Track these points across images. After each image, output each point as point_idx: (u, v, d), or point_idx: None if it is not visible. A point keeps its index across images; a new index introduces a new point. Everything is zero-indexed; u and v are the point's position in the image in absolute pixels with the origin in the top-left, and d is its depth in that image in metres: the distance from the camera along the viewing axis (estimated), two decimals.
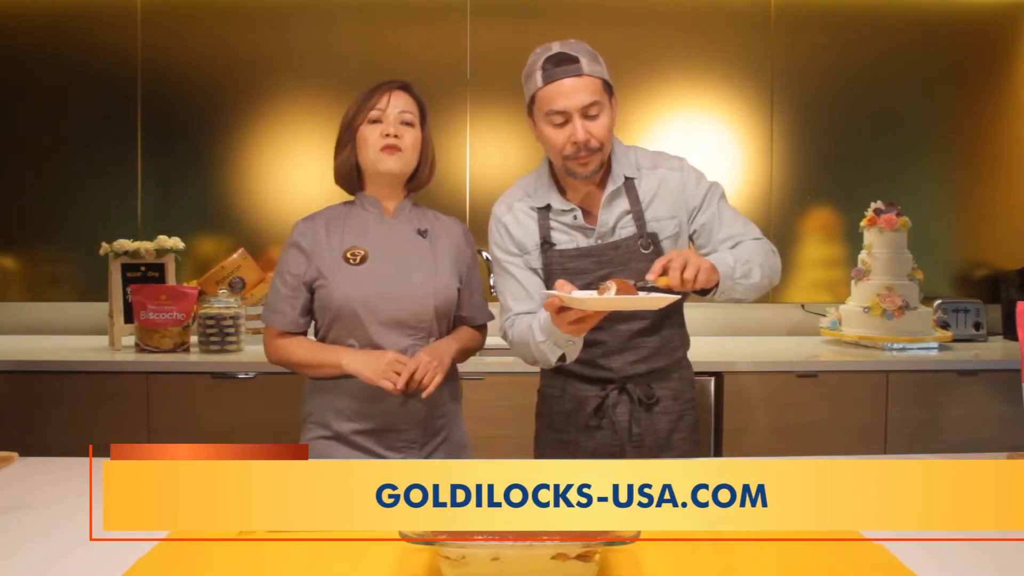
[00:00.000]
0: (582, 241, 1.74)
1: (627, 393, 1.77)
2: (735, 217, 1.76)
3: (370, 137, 1.73)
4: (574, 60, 1.61)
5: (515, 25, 3.37)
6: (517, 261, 1.77)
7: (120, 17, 3.31)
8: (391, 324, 1.72)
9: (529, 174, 1.83)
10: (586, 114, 1.62)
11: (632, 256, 1.71)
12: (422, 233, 1.79)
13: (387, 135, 1.72)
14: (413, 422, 1.74)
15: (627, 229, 1.73)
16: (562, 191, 1.76)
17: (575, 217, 1.74)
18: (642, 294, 1.46)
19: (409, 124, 1.75)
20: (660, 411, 1.79)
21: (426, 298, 1.73)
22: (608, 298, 1.40)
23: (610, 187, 1.72)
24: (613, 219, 1.73)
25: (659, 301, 1.42)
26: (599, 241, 1.73)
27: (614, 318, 1.74)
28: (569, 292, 1.47)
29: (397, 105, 1.74)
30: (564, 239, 1.75)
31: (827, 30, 3.46)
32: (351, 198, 1.84)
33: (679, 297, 1.43)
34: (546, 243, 1.75)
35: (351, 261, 1.73)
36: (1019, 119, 3.56)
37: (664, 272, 1.46)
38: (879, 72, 3.48)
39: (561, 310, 1.47)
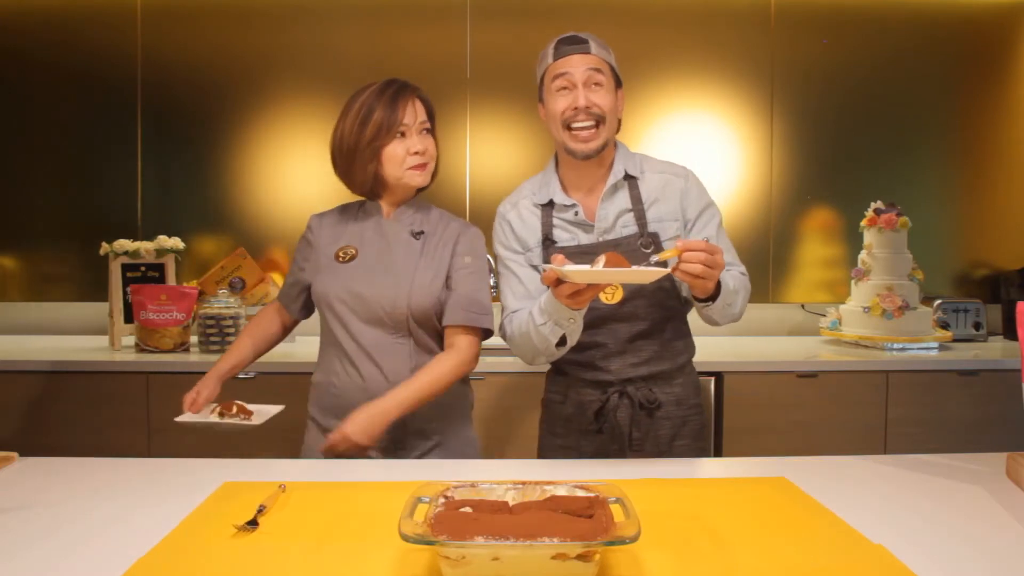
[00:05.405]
0: (583, 238, 1.75)
1: (628, 397, 1.76)
2: (728, 247, 1.78)
3: (396, 154, 1.73)
4: (583, 41, 1.72)
5: (515, 25, 3.38)
6: (519, 259, 1.78)
7: (120, 17, 3.32)
8: (369, 321, 1.75)
9: (536, 175, 1.86)
10: (590, 84, 1.69)
11: (633, 254, 1.71)
12: (416, 235, 1.80)
13: (415, 152, 1.73)
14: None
15: (628, 228, 1.74)
16: (565, 189, 1.78)
17: (576, 213, 1.75)
18: (638, 268, 1.45)
19: (427, 133, 1.77)
20: (662, 416, 1.78)
21: (398, 299, 1.73)
22: (598, 270, 1.40)
23: (611, 180, 1.75)
24: (613, 215, 1.74)
25: (650, 274, 1.40)
26: (600, 238, 1.74)
27: (613, 318, 1.74)
28: (562, 264, 1.46)
29: (419, 116, 1.74)
30: (565, 236, 1.76)
31: (827, 30, 3.46)
32: (357, 197, 1.85)
33: (669, 271, 1.42)
34: (548, 240, 1.76)
35: (341, 259, 1.79)
36: (1019, 119, 3.56)
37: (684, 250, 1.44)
38: (879, 72, 3.49)
39: (558, 282, 1.47)
